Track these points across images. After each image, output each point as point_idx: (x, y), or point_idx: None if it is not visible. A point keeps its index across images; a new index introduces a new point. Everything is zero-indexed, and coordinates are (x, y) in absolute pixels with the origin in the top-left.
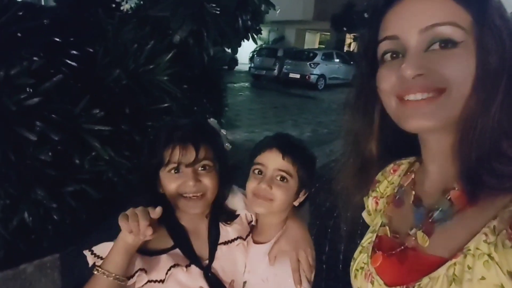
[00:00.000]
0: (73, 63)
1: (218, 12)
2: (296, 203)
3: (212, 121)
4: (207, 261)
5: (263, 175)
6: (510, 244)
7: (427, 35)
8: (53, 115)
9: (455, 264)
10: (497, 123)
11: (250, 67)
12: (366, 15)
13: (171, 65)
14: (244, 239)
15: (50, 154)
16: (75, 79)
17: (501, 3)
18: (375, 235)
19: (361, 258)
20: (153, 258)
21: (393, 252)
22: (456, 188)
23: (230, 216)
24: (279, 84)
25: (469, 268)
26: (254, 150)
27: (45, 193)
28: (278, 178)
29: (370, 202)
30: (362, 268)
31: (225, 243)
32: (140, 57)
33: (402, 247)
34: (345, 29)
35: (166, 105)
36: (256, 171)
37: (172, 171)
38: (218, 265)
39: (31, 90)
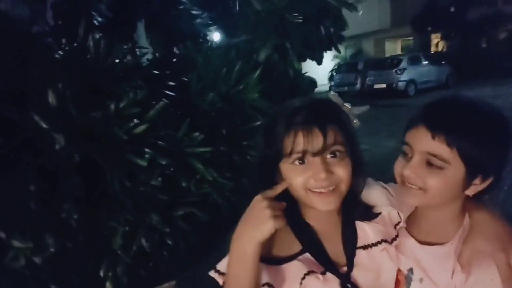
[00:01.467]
0: (171, 93)
1: (300, 21)
2: (470, 193)
3: (333, 95)
4: (345, 268)
5: (410, 158)
6: None
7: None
8: (159, 141)
9: None
10: None
11: (330, 86)
12: (452, 9)
13: (260, 83)
14: (390, 243)
15: (159, 179)
16: (174, 107)
17: None
18: None
19: None
20: (281, 268)
21: None
22: None
23: (369, 213)
24: (364, 98)
25: None
26: (406, 124)
27: (159, 218)
28: (428, 164)
29: None
30: None
31: (365, 247)
32: (230, 79)
33: None
34: (429, 29)
35: (259, 123)
36: (405, 151)
37: (296, 162)
38: (359, 274)
39: (138, 120)
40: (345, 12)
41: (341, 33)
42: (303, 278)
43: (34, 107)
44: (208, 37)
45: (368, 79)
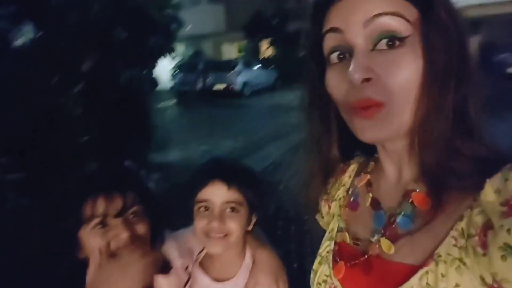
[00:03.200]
0: None
1: (126, 37)
2: (249, 228)
3: (128, 164)
4: None
5: (211, 212)
6: (482, 252)
7: (372, 29)
8: None
9: (427, 272)
10: (451, 122)
11: (172, 85)
12: (274, 22)
13: (84, 95)
14: None
15: None
16: None
17: None
18: (333, 242)
19: (322, 270)
20: None
21: (357, 261)
22: (418, 190)
23: (167, 267)
24: (205, 97)
25: (443, 276)
26: (192, 187)
27: None
28: (229, 210)
29: (322, 205)
30: (325, 281)
31: None
32: (47, 92)
33: (366, 256)
34: (259, 36)
35: (86, 138)
36: (202, 209)
37: (97, 226)
38: None
39: None
40: (183, 12)
41: (171, 46)
42: None
43: None
44: (18, 41)
45: (208, 79)
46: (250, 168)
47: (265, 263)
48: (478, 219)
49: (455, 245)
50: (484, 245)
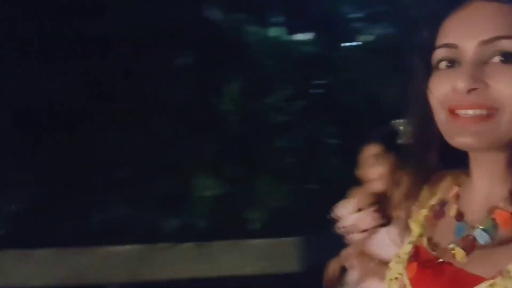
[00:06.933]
0: None
1: None
2: None
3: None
4: None
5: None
6: None
7: (487, 48)
8: None
9: (492, 285)
10: None
11: None
12: None
13: None
14: None
15: None
16: None
17: None
18: (411, 245)
19: (396, 268)
20: None
21: (429, 264)
22: (503, 208)
23: None
24: None
25: None
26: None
27: None
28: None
29: (414, 210)
30: (396, 278)
31: None
32: None
33: (439, 261)
34: None
35: None
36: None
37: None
38: None
39: None
40: None
41: None
42: None
43: None
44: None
45: None
46: None
47: None
48: None
49: None
50: None
